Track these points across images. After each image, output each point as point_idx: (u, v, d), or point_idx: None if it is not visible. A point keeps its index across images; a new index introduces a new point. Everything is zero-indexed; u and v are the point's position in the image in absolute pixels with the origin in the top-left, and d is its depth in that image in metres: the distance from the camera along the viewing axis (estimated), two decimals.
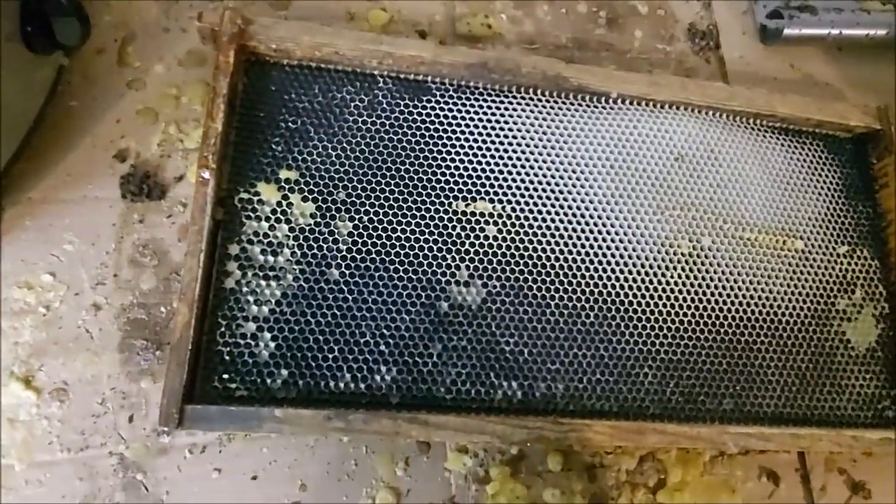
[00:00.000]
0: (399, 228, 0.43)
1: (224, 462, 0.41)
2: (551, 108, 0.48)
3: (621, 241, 0.46)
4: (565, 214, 0.45)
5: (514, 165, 0.46)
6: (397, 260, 0.43)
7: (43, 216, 0.43)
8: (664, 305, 0.45)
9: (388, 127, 0.45)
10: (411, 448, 0.44)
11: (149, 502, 0.40)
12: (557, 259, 0.44)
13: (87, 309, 0.42)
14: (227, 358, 0.39)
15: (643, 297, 0.45)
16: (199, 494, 0.41)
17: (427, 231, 0.44)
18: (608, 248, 0.45)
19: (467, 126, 0.46)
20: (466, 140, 0.46)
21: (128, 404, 0.41)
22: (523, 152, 0.46)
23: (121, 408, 0.41)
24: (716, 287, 0.46)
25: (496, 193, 0.45)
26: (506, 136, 0.47)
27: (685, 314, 0.45)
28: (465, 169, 0.45)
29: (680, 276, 0.46)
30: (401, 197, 0.44)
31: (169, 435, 0.41)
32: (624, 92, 0.49)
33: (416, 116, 0.46)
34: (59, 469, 0.39)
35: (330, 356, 0.40)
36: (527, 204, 0.45)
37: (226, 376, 0.39)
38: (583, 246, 0.45)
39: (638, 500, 0.45)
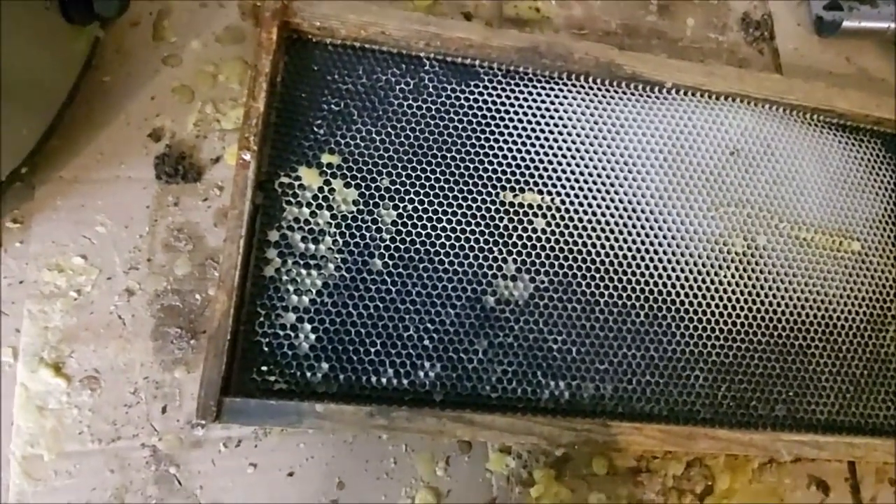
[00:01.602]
0: (444, 218, 0.41)
1: (260, 457, 0.40)
2: (603, 96, 0.46)
3: (673, 237, 0.44)
4: (616, 208, 0.43)
5: (563, 156, 0.44)
6: (442, 251, 0.41)
7: (75, 196, 0.41)
8: (716, 306, 0.43)
9: (434, 112, 0.43)
10: (452, 447, 0.42)
11: (182, 497, 0.38)
12: (608, 255, 0.43)
13: (119, 294, 0.40)
14: (266, 349, 0.38)
15: (695, 296, 0.43)
16: (233, 490, 0.39)
17: (473, 222, 0.42)
18: (660, 244, 0.43)
19: (516, 113, 0.44)
20: (515, 128, 0.44)
21: (161, 394, 0.40)
22: (574, 142, 0.44)
23: (154, 398, 0.39)
24: (770, 288, 0.44)
25: (545, 184, 0.43)
26: (556, 125, 0.45)
27: (738, 315, 0.43)
28: (514, 158, 0.43)
29: (733, 276, 0.44)
30: (447, 185, 0.42)
31: (203, 428, 0.40)
32: (679, 82, 0.46)
33: (463, 102, 0.44)
34: (89, 460, 0.38)
35: (372, 350, 0.39)
36: (577, 196, 0.43)
37: (265, 368, 0.37)
38: (633, 241, 0.43)
39: None
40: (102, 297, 0.40)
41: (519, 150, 0.44)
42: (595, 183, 0.44)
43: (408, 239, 0.41)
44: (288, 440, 0.40)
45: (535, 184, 0.43)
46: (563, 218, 0.43)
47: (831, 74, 0.55)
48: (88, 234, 0.41)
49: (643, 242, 0.43)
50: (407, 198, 0.41)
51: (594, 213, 0.43)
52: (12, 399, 0.38)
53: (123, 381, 0.39)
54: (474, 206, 0.42)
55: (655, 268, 0.43)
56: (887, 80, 0.57)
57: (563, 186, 0.43)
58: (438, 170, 0.42)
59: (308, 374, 0.38)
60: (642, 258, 0.43)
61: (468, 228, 0.42)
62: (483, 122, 0.44)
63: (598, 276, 0.42)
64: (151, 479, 0.38)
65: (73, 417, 0.38)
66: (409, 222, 0.41)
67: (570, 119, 0.45)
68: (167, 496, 0.38)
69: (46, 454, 0.38)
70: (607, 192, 0.44)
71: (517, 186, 0.43)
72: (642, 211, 0.44)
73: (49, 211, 0.41)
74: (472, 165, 0.43)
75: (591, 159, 0.44)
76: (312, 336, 0.38)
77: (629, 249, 0.43)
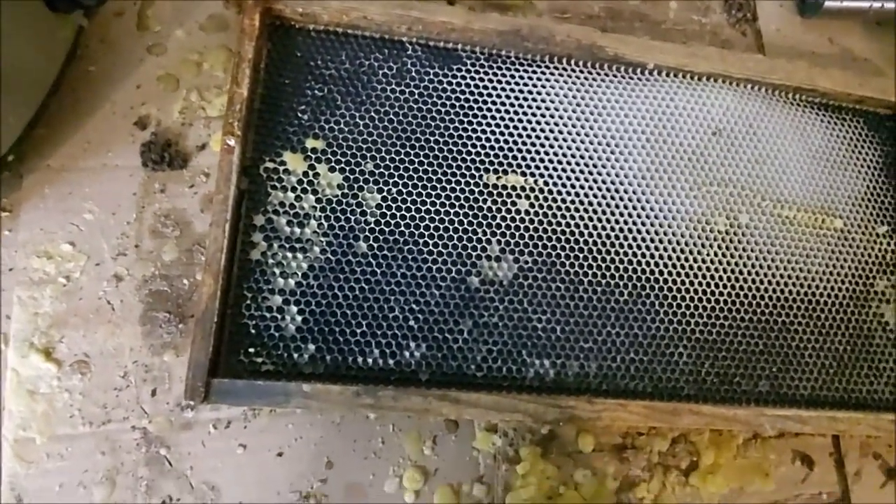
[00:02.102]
0: (428, 201, 0.42)
1: (249, 438, 0.40)
2: (585, 78, 0.46)
3: (656, 216, 0.44)
4: (599, 189, 0.44)
5: (546, 138, 0.44)
6: (426, 233, 0.41)
7: (62, 184, 0.42)
8: (699, 284, 0.44)
9: (417, 96, 0.44)
10: (439, 427, 0.43)
11: (173, 477, 0.39)
12: (591, 235, 0.43)
13: (108, 280, 0.41)
14: (252, 331, 0.38)
15: (678, 275, 0.43)
16: (223, 470, 0.40)
17: (457, 204, 0.42)
18: (643, 223, 0.44)
19: (499, 96, 0.45)
20: (498, 111, 0.44)
21: (150, 378, 0.40)
22: (556, 124, 0.45)
23: (143, 381, 0.40)
24: (753, 266, 0.45)
25: (528, 166, 0.44)
26: (538, 107, 0.45)
27: (721, 293, 0.44)
28: (497, 141, 0.44)
29: (716, 254, 0.44)
30: (430, 169, 0.43)
31: (193, 409, 0.40)
32: (661, 63, 0.47)
33: (445, 85, 0.44)
34: (80, 443, 0.39)
35: (358, 331, 0.39)
36: (559, 177, 0.44)
37: (252, 350, 0.38)
38: (617, 221, 0.44)
39: (670, 482, 0.44)
40: (91, 283, 0.41)
41: (502, 133, 0.44)
42: (578, 164, 0.44)
43: (392, 222, 0.41)
44: (277, 421, 0.41)
45: (518, 166, 0.44)
46: (546, 199, 0.43)
47: (814, 55, 0.56)
48: (76, 222, 0.41)
49: (626, 222, 0.44)
50: (391, 181, 0.42)
51: (577, 194, 0.44)
52: (3, 384, 0.38)
53: (113, 365, 0.40)
54: (458, 188, 0.42)
55: (639, 247, 0.43)
56: (870, 60, 0.57)
57: (546, 168, 0.44)
58: (422, 153, 0.43)
59: (295, 356, 0.38)
60: (625, 238, 0.43)
61: (452, 210, 0.42)
62: (466, 105, 0.44)
63: (581, 255, 0.43)
64: (142, 461, 0.39)
65: (63, 401, 0.39)
66: (394, 205, 0.41)
67: (552, 101, 0.45)
68: (158, 477, 0.39)
69: (38, 437, 0.38)
70: (590, 172, 0.44)
71: (500, 168, 0.43)
72: (625, 191, 0.44)
73: (37, 199, 0.41)
74: (455, 148, 0.43)
75: (573, 141, 0.44)
76: (299, 318, 0.39)
77: (612, 229, 0.43)
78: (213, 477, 0.40)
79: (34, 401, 0.39)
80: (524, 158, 0.44)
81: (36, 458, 0.38)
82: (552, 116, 0.45)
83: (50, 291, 0.40)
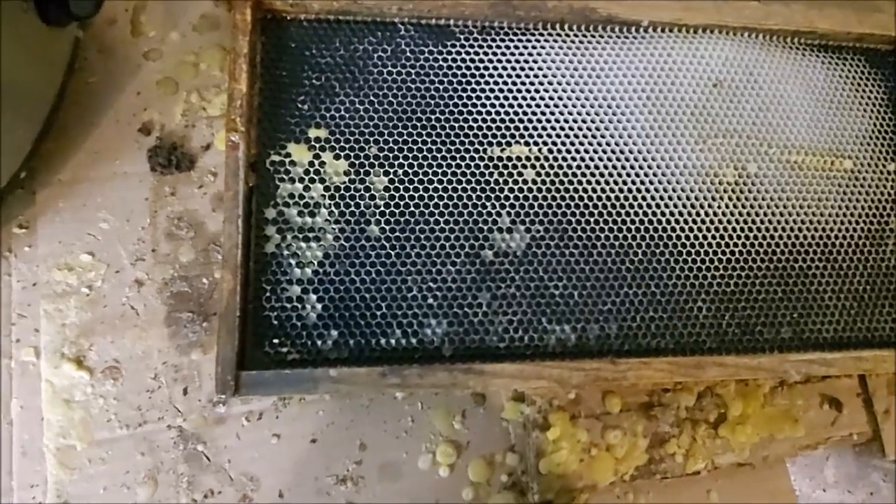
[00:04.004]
0: (435, 179, 0.42)
1: (282, 427, 0.41)
2: (581, 42, 0.46)
3: (664, 174, 0.44)
4: (604, 151, 0.44)
5: (546, 105, 0.44)
6: (437, 211, 0.42)
7: (75, 196, 0.42)
8: (713, 237, 0.44)
9: (413, 76, 0.44)
10: (466, 401, 0.44)
11: (212, 471, 0.40)
12: (600, 198, 0.43)
13: (129, 286, 0.42)
14: (275, 322, 0.39)
15: (691, 229, 0.43)
16: (260, 460, 0.41)
17: (464, 180, 0.42)
18: (651, 182, 0.44)
19: (495, 68, 0.45)
20: (496, 83, 0.44)
21: (180, 377, 0.41)
22: (555, 91, 0.45)
23: (174, 381, 0.41)
24: (765, 214, 0.45)
25: (531, 136, 0.44)
26: (535, 76, 0.45)
27: (736, 244, 0.44)
28: (497, 113, 0.44)
29: (727, 206, 0.44)
30: (434, 147, 0.43)
31: (224, 404, 0.41)
32: (656, 19, 0.46)
33: (441, 62, 0.44)
34: (120, 445, 0.40)
35: (378, 313, 0.40)
36: (563, 144, 0.44)
37: (276, 341, 0.39)
38: (624, 182, 0.44)
39: (700, 435, 0.45)
40: (113, 291, 0.41)
41: (502, 105, 0.44)
42: (580, 129, 0.44)
43: (401, 203, 0.41)
44: (307, 409, 0.42)
45: (521, 136, 0.44)
46: (552, 167, 0.43)
47: None
48: (93, 232, 0.42)
49: (634, 182, 0.44)
50: (396, 163, 0.42)
51: (582, 159, 0.44)
52: (39, 396, 0.39)
53: (143, 368, 0.41)
54: (463, 163, 0.43)
55: (649, 206, 0.43)
56: None
57: (549, 136, 0.44)
58: (424, 132, 0.43)
59: (318, 343, 0.39)
60: (634, 198, 0.43)
61: (459, 186, 0.42)
62: (463, 80, 0.44)
63: (592, 219, 0.43)
64: (181, 458, 0.40)
65: (99, 407, 0.40)
66: (401, 187, 0.42)
67: (549, 68, 0.45)
68: (198, 472, 0.40)
69: (79, 444, 0.39)
70: (594, 136, 0.44)
71: (503, 140, 0.43)
72: (630, 151, 0.44)
73: (52, 213, 0.42)
74: (456, 124, 0.43)
75: (574, 106, 0.44)
76: (319, 305, 0.39)
77: (621, 191, 0.43)
78: (250, 468, 0.40)
79: (71, 409, 0.40)
80: (526, 128, 0.44)
81: (79, 464, 0.39)
82: (550, 83, 0.45)
83: (74, 302, 0.41)
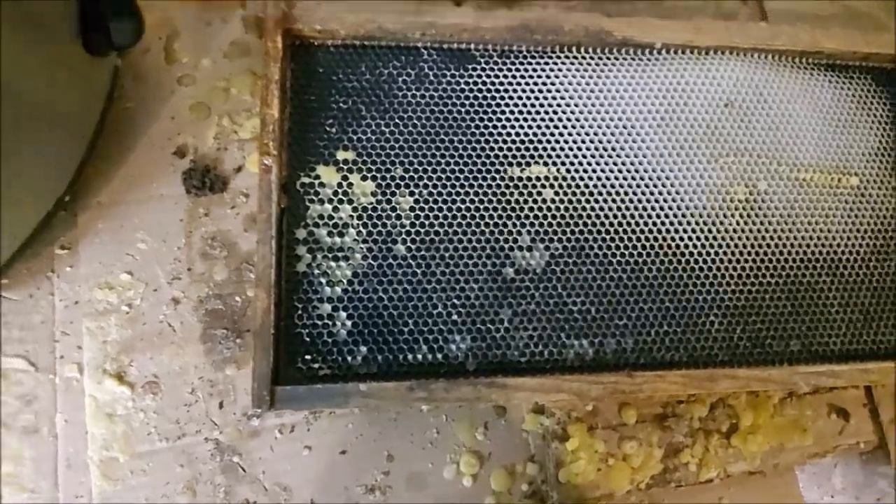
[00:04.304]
0: (458, 199, 0.44)
1: (313, 439, 0.43)
2: (597, 64, 0.48)
3: (677, 192, 0.46)
4: (619, 171, 0.46)
5: (564, 126, 0.46)
6: (460, 230, 0.43)
7: (114, 218, 0.44)
8: (725, 253, 0.45)
9: (437, 99, 0.46)
10: (488, 413, 0.45)
11: (248, 481, 0.42)
12: (616, 216, 0.45)
13: (166, 304, 0.43)
14: (307, 339, 0.41)
15: (703, 246, 0.45)
16: (293, 471, 0.42)
17: (486, 199, 0.44)
18: (665, 200, 0.45)
19: (514, 91, 0.46)
20: (515, 105, 0.46)
21: (216, 392, 0.43)
22: (573, 112, 0.46)
23: (210, 395, 0.43)
24: (775, 230, 0.46)
25: (549, 156, 0.45)
26: (553, 98, 0.47)
27: (746, 260, 0.45)
28: (518, 134, 0.46)
29: (738, 223, 0.46)
30: (457, 168, 0.44)
31: (258, 418, 0.43)
32: (668, 41, 0.48)
33: (463, 86, 0.46)
34: (160, 458, 0.41)
35: (405, 329, 0.42)
36: (580, 164, 0.45)
37: (308, 357, 0.40)
38: (640, 201, 0.45)
39: (712, 445, 0.46)
40: (151, 309, 0.43)
41: (521, 126, 0.46)
42: (597, 149, 0.46)
43: (426, 223, 0.43)
44: (337, 422, 0.44)
45: (540, 156, 0.45)
46: (569, 186, 0.45)
47: (817, 17, 0.56)
48: (131, 252, 0.44)
49: (648, 201, 0.45)
50: (421, 184, 0.44)
51: (599, 178, 0.45)
52: (83, 410, 0.41)
53: (181, 383, 0.43)
54: (485, 184, 0.44)
55: (663, 223, 0.45)
56: (872, 14, 0.58)
57: (567, 156, 0.45)
58: (448, 154, 0.45)
59: (349, 358, 0.41)
60: (649, 216, 0.45)
61: (481, 206, 0.44)
62: (484, 102, 0.46)
63: (608, 237, 0.44)
64: (218, 469, 0.42)
65: (140, 420, 0.42)
66: (426, 207, 0.44)
67: (566, 90, 0.47)
68: (234, 483, 0.42)
69: (121, 456, 0.41)
70: (609, 156, 0.46)
71: (523, 161, 0.45)
72: (644, 171, 0.46)
73: (92, 235, 0.44)
74: (478, 146, 0.45)
75: (590, 127, 0.46)
76: (349, 322, 0.41)
77: (636, 209, 0.45)
78: (284, 479, 0.42)
79: (113, 423, 0.41)
80: (545, 149, 0.45)
81: (121, 476, 0.41)
82: (567, 105, 0.46)
83: (115, 320, 0.43)
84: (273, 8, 0.43)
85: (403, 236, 0.43)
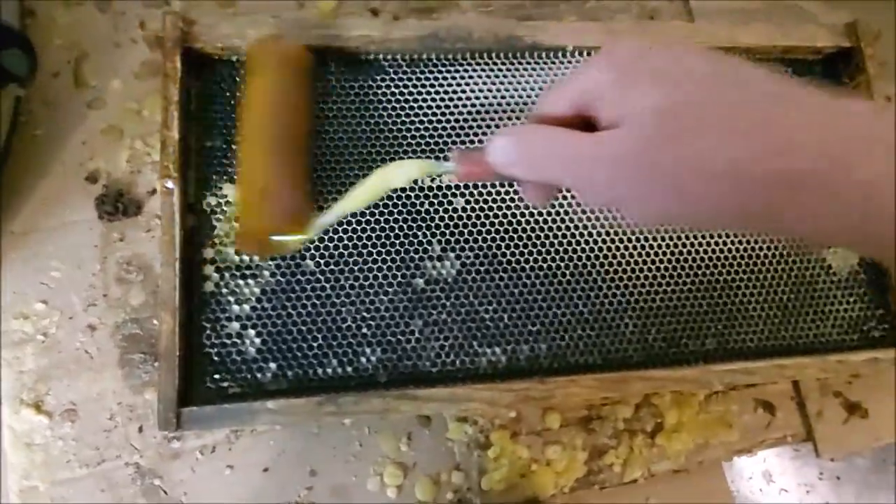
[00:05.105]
0: (367, 211, 0.44)
1: (235, 458, 0.43)
2: (507, 69, 0.47)
3: None
4: None
5: (475, 133, 0.46)
6: (369, 243, 0.43)
7: (27, 247, 0.44)
8: (639, 254, 0.45)
9: (344, 111, 0.46)
10: (412, 423, 0.46)
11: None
12: (528, 222, 0.45)
13: (82, 331, 0.44)
14: (216, 358, 0.41)
15: (616, 248, 0.45)
16: (215, 491, 0.43)
17: (395, 210, 0.44)
18: (577, 204, 0.45)
19: (424, 99, 0.46)
20: (425, 114, 0.46)
21: (135, 416, 0.43)
22: (483, 119, 0.46)
23: (129, 420, 0.43)
24: (690, 230, 0.46)
25: None
26: (463, 105, 0.46)
27: (661, 260, 0.45)
28: (427, 143, 0.46)
29: None
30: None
31: (178, 440, 0.43)
32: (580, 44, 0.48)
33: (371, 97, 0.46)
34: (81, 484, 0.42)
35: (315, 345, 0.42)
36: None
37: (217, 376, 0.41)
38: (551, 206, 0.45)
39: (637, 445, 0.46)
40: (67, 336, 0.44)
41: (431, 135, 0.46)
42: None
43: (335, 237, 0.43)
44: (259, 439, 0.44)
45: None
46: (480, 194, 0.45)
47: (744, 11, 0.56)
48: (45, 280, 0.44)
49: (561, 205, 0.45)
50: (329, 197, 0.44)
51: (510, 184, 0.45)
52: (1, 441, 0.42)
53: (99, 409, 0.43)
54: (394, 195, 0.44)
55: (576, 227, 0.45)
56: (801, 5, 0.57)
57: None
58: (356, 166, 0.45)
59: (258, 376, 0.41)
60: (562, 220, 0.45)
61: (391, 217, 0.44)
62: (393, 112, 0.46)
63: (520, 243, 0.44)
64: (140, 493, 0.42)
65: (59, 448, 0.42)
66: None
67: (476, 97, 0.47)
68: None
69: (41, 484, 0.42)
70: None
71: None
72: None
73: (6, 264, 0.44)
74: (387, 157, 0.45)
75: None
76: (257, 340, 0.41)
77: (548, 214, 0.45)
78: (206, 499, 0.43)
79: (32, 451, 0.42)
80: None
81: None
82: (478, 112, 0.46)
83: (31, 349, 0.43)
84: (171, 27, 0.43)
85: (312, 251, 0.43)
